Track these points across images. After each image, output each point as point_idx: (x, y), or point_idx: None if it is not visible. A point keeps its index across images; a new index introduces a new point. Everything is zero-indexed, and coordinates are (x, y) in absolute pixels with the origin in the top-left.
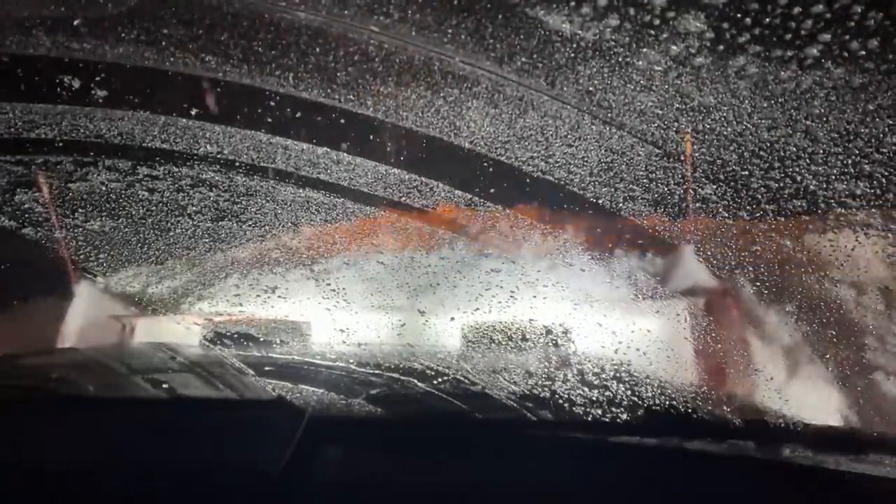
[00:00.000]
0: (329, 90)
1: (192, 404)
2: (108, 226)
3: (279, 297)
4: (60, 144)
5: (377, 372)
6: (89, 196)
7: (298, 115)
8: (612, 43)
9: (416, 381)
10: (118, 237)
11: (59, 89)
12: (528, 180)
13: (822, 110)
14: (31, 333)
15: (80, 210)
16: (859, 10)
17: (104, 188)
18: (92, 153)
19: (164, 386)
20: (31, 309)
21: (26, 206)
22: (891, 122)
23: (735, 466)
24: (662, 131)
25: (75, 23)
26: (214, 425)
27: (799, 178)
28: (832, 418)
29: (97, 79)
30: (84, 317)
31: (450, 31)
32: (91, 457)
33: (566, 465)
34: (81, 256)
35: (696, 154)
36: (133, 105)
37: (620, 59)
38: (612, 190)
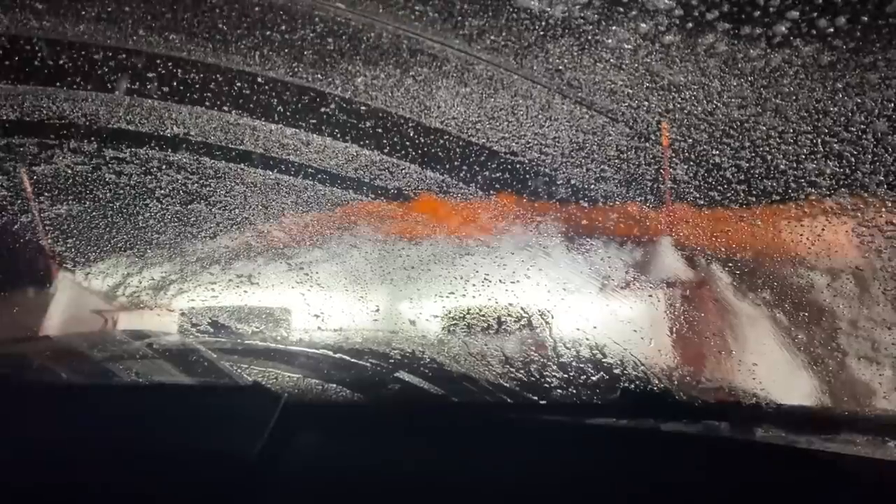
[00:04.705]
0: (296, 69)
1: (165, 391)
2: (75, 210)
3: (253, 282)
4: (23, 126)
5: (353, 357)
6: (55, 179)
7: (266, 95)
8: (581, 20)
9: (392, 365)
10: (86, 222)
11: (19, 69)
12: (499, 161)
13: (792, 88)
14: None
15: (45, 194)
16: None
17: (70, 171)
18: (56, 135)
19: (137, 372)
20: None
21: None
22: (859, 99)
23: (709, 446)
24: (633, 111)
25: None
26: (189, 412)
27: (769, 158)
28: (804, 398)
29: (59, 58)
30: (54, 304)
31: (418, 7)
32: (64, 444)
33: (543, 448)
34: (49, 242)
35: (667, 133)
36: (96, 85)
37: (590, 37)
38: (584, 171)
